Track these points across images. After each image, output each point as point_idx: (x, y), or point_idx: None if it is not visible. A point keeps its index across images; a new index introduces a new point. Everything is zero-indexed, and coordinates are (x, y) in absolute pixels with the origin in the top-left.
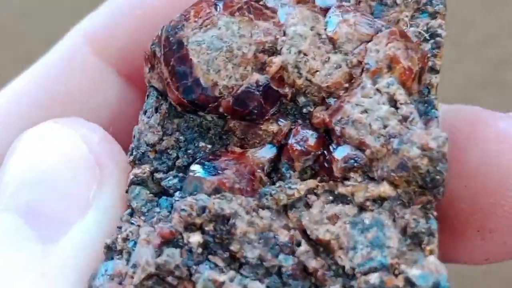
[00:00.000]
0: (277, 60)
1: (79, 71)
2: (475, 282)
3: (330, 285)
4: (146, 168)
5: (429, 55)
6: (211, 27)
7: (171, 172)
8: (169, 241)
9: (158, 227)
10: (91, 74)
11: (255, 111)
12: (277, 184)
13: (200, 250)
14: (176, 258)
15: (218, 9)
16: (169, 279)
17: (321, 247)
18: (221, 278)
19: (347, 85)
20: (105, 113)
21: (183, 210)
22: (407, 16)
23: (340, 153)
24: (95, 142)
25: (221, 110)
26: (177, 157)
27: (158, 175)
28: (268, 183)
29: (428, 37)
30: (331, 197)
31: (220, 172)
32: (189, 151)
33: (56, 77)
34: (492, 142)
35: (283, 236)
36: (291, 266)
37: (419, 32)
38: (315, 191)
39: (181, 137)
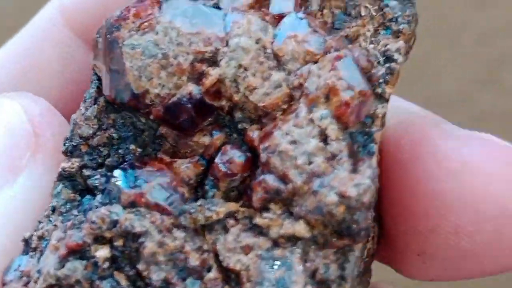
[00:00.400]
0: (214, 73)
1: (52, 45)
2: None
3: None
4: (76, 162)
5: (380, 80)
6: (149, 31)
7: (99, 170)
8: (76, 252)
9: (67, 235)
10: (63, 48)
11: (185, 123)
12: (198, 202)
13: (106, 264)
14: (78, 272)
15: (161, 11)
16: None
17: (232, 275)
18: None
19: (285, 106)
20: (75, 88)
21: (93, 222)
22: (369, 31)
23: (262, 182)
24: (35, 112)
25: (151, 117)
26: (108, 155)
27: (86, 172)
28: (190, 199)
29: (382, 62)
30: (249, 225)
31: (139, 184)
32: (119, 151)
33: (28, 50)
34: (433, 163)
35: (194, 259)
36: None
37: (376, 54)
38: (235, 215)
39: (115, 135)
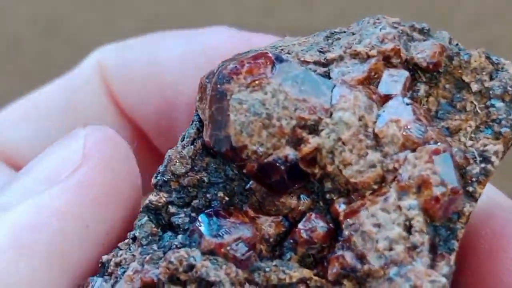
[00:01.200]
0: (313, 141)
1: (84, 106)
2: None
3: None
4: (164, 197)
5: (473, 179)
6: (258, 89)
7: (185, 209)
8: (148, 286)
9: (144, 269)
10: (95, 111)
11: (276, 184)
12: (274, 262)
13: None
14: None
15: (273, 72)
16: None
17: None
18: None
19: (375, 187)
20: None
21: (171, 262)
22: (470, 126)
23: (340, 258)
24: (93, 137)
25: (245, 171)
26: (196, 197)
27: (172, 209)
28: (267, 257)
29: (479, 161)
30: None
31: (221, 234)
32: (207, 195)
33: (60, 104)
34: None
35: None
36: None
37: (473, 152)
38: (308, 282)
39: (206, 178)
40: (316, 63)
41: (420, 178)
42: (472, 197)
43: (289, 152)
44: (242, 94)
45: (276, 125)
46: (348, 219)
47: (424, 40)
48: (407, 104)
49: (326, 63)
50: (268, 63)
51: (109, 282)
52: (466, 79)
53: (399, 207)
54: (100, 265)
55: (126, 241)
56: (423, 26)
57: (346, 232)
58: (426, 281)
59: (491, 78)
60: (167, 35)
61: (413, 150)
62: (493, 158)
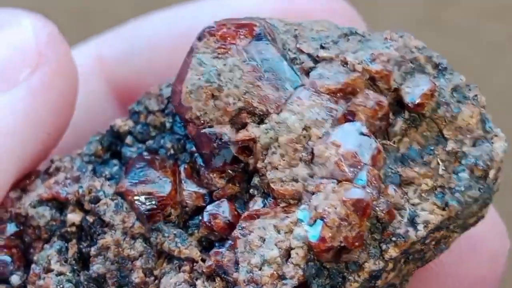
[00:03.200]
0: (251, 131)
1: (83, 94)
2: None
3: None
4: (129, 125)
5: (391, 237)
6: (221, 57)
7: (139, 145)
8: (55, 201)
9: (62, 183)
10: (94, 100)
11: (206, 156)
12: (175, 231)
13: (72, 229)
14: (42, 220)
15: (246, 46)
16: (30, 231)
17: None
18: (54, 266)
19: (291, 201)
20: None
21: (81, 187)
22: (426, 185)
23: (219, 254)
24: (44, 33)
25: (187, 132)
26: (153, 138)
27: (128, 139)
28: (173, 222)
29: (406, 222)
30: (193, 281)
31: (137, 182)
32: (161, 141)
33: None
34: None
35: (138, 277)
36: None
37: (407, 212)
38: (194, 264)
39: (169, 125)
40: (309, 55)
41: (321, 213)
42: (381, 256)
43: (226, 132)
44: (205, 56)
45: (223, 100)
46: (243, 221)
47: (435, 77)
48: (361, 133)
49: (317, 60)
50: (248, 35)
51: (43, 182)
52: (446, 134)
53: (290, 232)
54: (50, 162)
55: (80, 151)
56: (440, 62)
57: (235, 233)
58: None
59: (473, 145)
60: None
61: (338, 183)
62: (420, 227)
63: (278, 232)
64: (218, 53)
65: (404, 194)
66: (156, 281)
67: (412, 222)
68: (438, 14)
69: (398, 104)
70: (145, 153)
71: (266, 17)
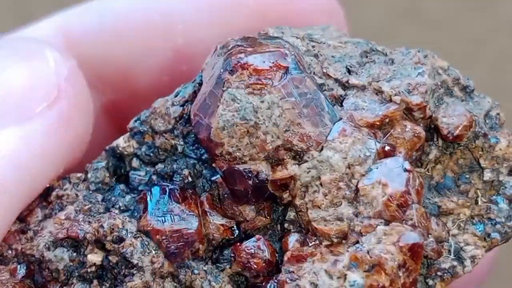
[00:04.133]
0: (291, 169)
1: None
2: None
3: None
4: (133, 146)
5: (438, 273)
6: (257, 94)
7: (147, 168)
8: (72, 239)
9: (76, 219)
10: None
11: (238, 193)
12: (205, 267)
13: (92, 269)
14: (61, 263)
15: (281, 80)
16: (45, 273)
17: None
18: None
19: (334, 240)
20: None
21: (102, 227)
22: (464, 215)
23: None
24: (65, 68)
25: (214, 165)
26: (163, 161)
27: (135, 163)
28: (201, 257)
29: (452, 258)
30: None
31: (164, 220)
32: (174, 166)
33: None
34: None
35: None
36: None
37: (451, 245)
38: None
39: (180, 148)
40: (337, 81)
41: (378, 258)
42: None
43: (263, 169)
44: (239, 91)
45: (260, 137)
46: (290, 264)
47: (463, 100)
48: (405, 170)
49: (347, 86)
50: (281, 69)
51: (43, 210)
52: (483, 163)
53: (344, 278)
54: (45, 190)
55: (79, 175)
56: (468, 84)
57: (282, 277)
58: None
59: (510, 173)
60: None
61: (387, 223)
62: (467, 263)
63: (331, 277)
64: (254, 89)
65: (444, 225)
66: None
67: (458, 257)
68: (419, 6)
69: (430, 130)
70: (154, 178)
71: (277, 26)
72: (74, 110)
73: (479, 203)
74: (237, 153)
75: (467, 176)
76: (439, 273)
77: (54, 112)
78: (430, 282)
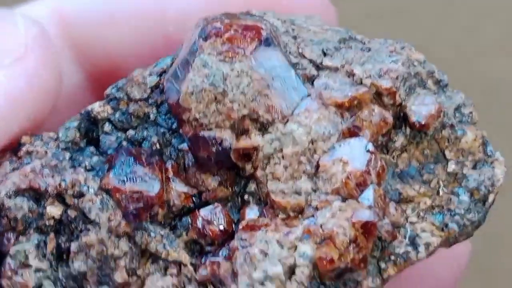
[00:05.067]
0: (254, 139)
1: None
2: None
3: None
4: (108, 111)
5: (390, 257)
6: (228, 62)
7: (118, 134)
8: (33, 191)
9: (40, 173)
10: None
11: (202, 160)
12: (162, 231)
13: (50, 222)
14: (20, 212)
15: (254, 52)
16: (5, 221)
17: None
18: (33, 262)
19: (291, 214)
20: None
21: (64, 181)
22: (425, 204)
23: (215, 264)
24: (33, 30)
25: (181, 131)
26: (134, 128)
27: (107, 127)
28: (159, 222)
29: (406, 243)
30: (182, 285)
31: (125, 179)
32: (144, 133)
33: None
34: None
35: (121, 277)
36: None
37: (408, 231)
38: (181, 267)
39: (152, 116)
40: (311, 61)
41: (329, 232)
42: (380, 274)
43: (227, 138)
44: (211, 58)
45: (227, 105)
46: (242, 232)
47: (435, 93)
48: (368, 151)
49: (320, 67)
50: (256, 39)
51: (12, 164)
52: (448, 155)
53: (295, 248)
54: (18, 144)
55: (52, 134)
56: (442, 79)
57: (235, 243)
58: None
59: (474, 167)
60: None
61: (344, 200)
62: (421, 249)
63: (282, 247)
64: (225, 57)
65: (403, 212)
66: (139, 281)
67: (413, 243)
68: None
69: (399, 118)
70: (124, 143)
71: (261, 11)
72: (41, 68)
73: (441, 193)
74: (203, 120)
75: (432, 166)
76: (392, 257)
77: (21, 66)
78: (383, 265)
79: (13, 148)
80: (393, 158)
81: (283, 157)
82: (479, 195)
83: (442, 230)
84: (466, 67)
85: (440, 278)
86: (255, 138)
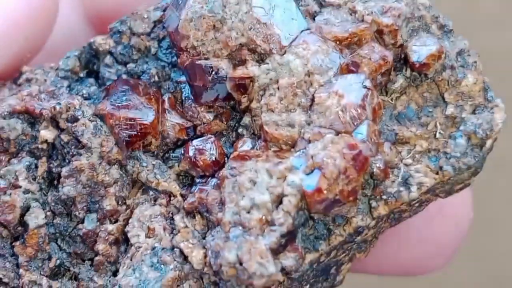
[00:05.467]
0: (251, 69)
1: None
2: None
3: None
4: (110, 44)
5: (382, 195)
6: None
7: (118, 67)
8: (28, 113)
9: (37, 97)
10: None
11: (198, 89)
12: (154, 161)
13: (43, 146)
14: (13, 132)
15: None
16: None
17: (126, 244)
18: (22, 183)
19: (283, 146)
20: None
21: (59, 104)
22: (421, 146)
23: (203, 192)
24: None
25: (178, 60)
26: (135, 61)
27: (108, 60)
28: (152, 152)
29: (399, 182)
30: (170, 215)
31: (121, 106)
32: (144, 66)
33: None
34: None
35: (109, 204)
36: (87, 230)
37: (401, 172)
38: (171, 197)
39: (154, 50)
40: None
41: (319, 163)
42: (370, 212)
43: (224, 67)
44: None
45: (224, 33)
46: (233, 161)
47: (439, 38)
48: (365, 86)
49: (323, 4)
50: None
51: (11, 90)
52: (448, 98)
53: (284, 178)
54: (18, 73)
55: (53, 65)
56: (446, 24)
57: (224, 172)
58: (254, 261)
59: (473, 112)
60: None
61: (336, 134)
62: (413, 188)
63: (271, 176)
64: None
65: (398, 153)
66: (128, 211)
67: (406, 183)
68: None
69: (401, 61)
70: (124, 76)
71: None
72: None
73: (438, 136)
74: (201, 48)
75: (430, 109)
76: (383, 196)
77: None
78: (374, 204)
79: (14, 78)
80: (392, 100)
81: (278, 88)
82: (477, 139)
83: (437, 173)
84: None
85: (439, 245)
86: (252, 68)
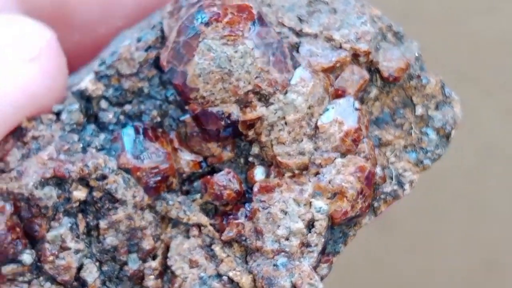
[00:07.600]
0: (259, 110)
1: None
2: None
3: None
4: (101, 89)
5: (381, 196)
6: (231, 44)
7: (115, 109)
8: (57, 178)
9: (59, 159)
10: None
11: (211, 132)
12: (179, 198)
13: (76, 204)
14: (50, 200)
15: (250, 32)
16: (34, 209)
17: (169, 275)
18: (71, 244)
19: (297, 172)
20: None
21: (86, 166)
22: (399, 145)
23: (240, 225)
24: (46, 35)
25: (187, 107)
26: (130, 103)
27: (103, 104)
28: (174, 190)
29: (393, 182)
30: (207, 246)
31: (142, 158)
32: (141, 107)
33: None
34: None
35: (148, 243)
36: (133, 270)
37: (392, 172)
38: (201, 228)
39: (146, 90)
40: (291, 29)
41: (338, 187)
42: (374, 212)
43: (234, 111)
44: (215, 43)
45: (233, 83)
46: (261, 194)
47: (395, 45)
48: (356, 109)
49: (300, 34)
50: (249, 20)
51: (20, 150)
52: (415, 100)
53: (310, 205)
54: (17, 127)
55: (50, 116)
56: (399, 30)
57: (255, 205)
58: (306, 283)
59: (436, 108)
60: None
61: (343, 156)
62: (406, 186)
63: (298, 205)
64: (228, 40)
65: (384, 154)
66: (163, 244)
67: (399, 182)
68: None
69: (370, 71)
70: (122, 117)
71: None
72: (55, 69)
73: (412, 134)
74: (211, 97)
75: (401, 111)
76: (382, 196)
77: (37, 65)
78: (376, 204)
79: (13, 133)
80: (368, 107)
81: (286, 123)
82: (444, 132)
83: (418, 166)
84: (456, 27)
85: None
86: (260, 110)
